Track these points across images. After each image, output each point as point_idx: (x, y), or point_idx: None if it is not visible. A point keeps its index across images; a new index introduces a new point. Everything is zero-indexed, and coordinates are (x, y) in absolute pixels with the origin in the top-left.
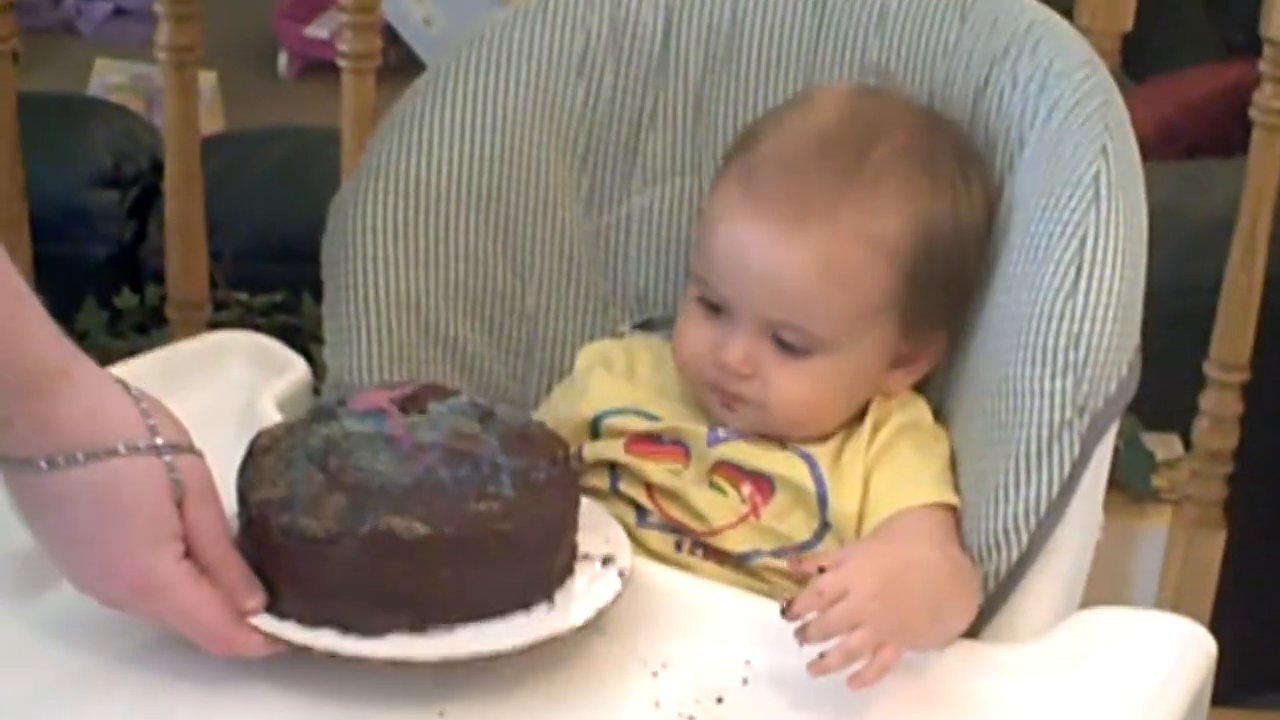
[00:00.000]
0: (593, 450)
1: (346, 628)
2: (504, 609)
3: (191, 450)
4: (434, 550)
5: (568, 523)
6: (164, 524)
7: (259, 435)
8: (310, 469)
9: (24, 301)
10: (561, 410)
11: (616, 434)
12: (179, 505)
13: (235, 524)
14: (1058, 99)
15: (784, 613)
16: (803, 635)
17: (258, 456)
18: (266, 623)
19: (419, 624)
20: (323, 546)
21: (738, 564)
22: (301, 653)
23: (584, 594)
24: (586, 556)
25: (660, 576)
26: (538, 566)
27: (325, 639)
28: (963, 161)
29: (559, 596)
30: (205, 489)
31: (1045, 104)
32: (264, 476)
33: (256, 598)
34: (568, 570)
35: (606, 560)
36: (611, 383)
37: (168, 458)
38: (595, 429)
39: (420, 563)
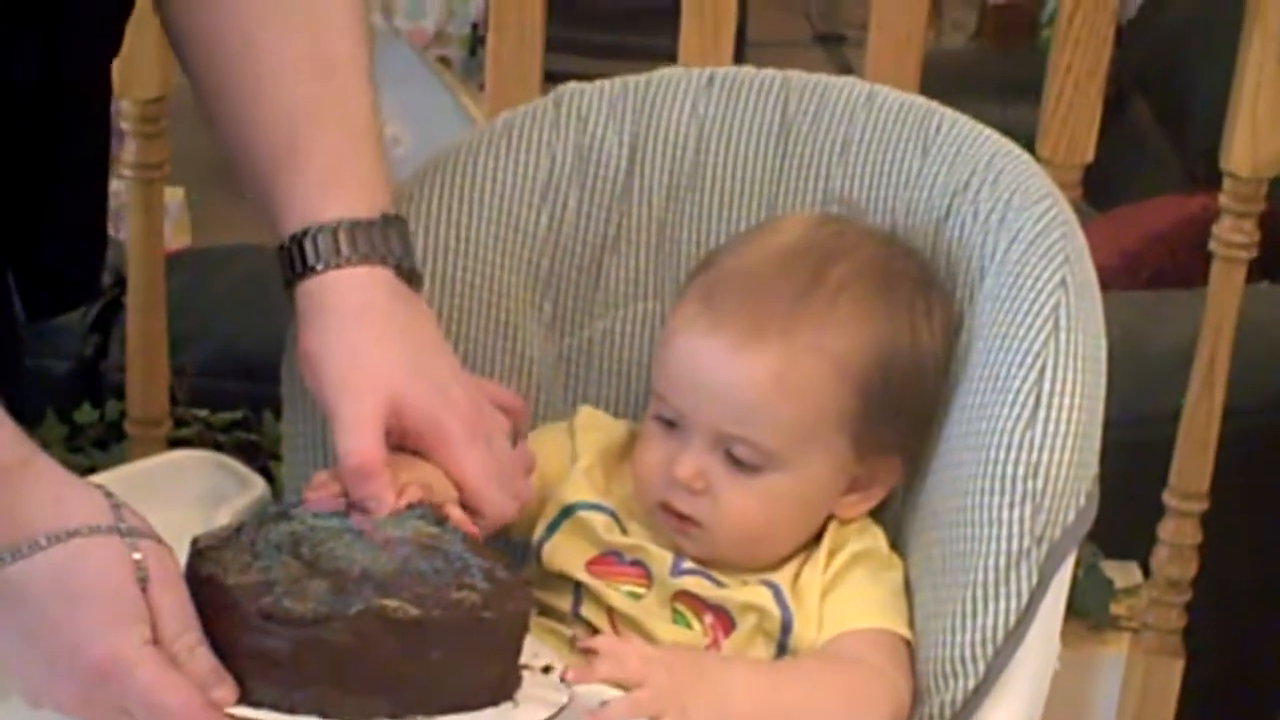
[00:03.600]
0: (552, 554)
1: (325, 715)
2: (479, 703)
3: (157, 539)
4: (425, 632)
5: (527, 624)
6: (128, 604)
7: (199, 538)
8: (283, 557)
9: None
10: (551, 454)
11: (582, 532)
12: (143, 588)
13: None
14: (1018, 231)
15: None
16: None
17: (211, 554)
18: (240, 710)
19: (399, 712)
20: (309, 629)
21: None
22: None
23: (538, 698)
24: (526, 666)
25: None
26: (506, 662)
27: None
28: (923, 288)
29: (519, 696)
30: (170, 576)
31: (1006, 236)
32: (228, 567)
33: (227, 688)
34: (519, 675)
35: (547, 669)
36: (597, 473)
37: (130, 539)
38: (563, 516)
39: (411, 645)
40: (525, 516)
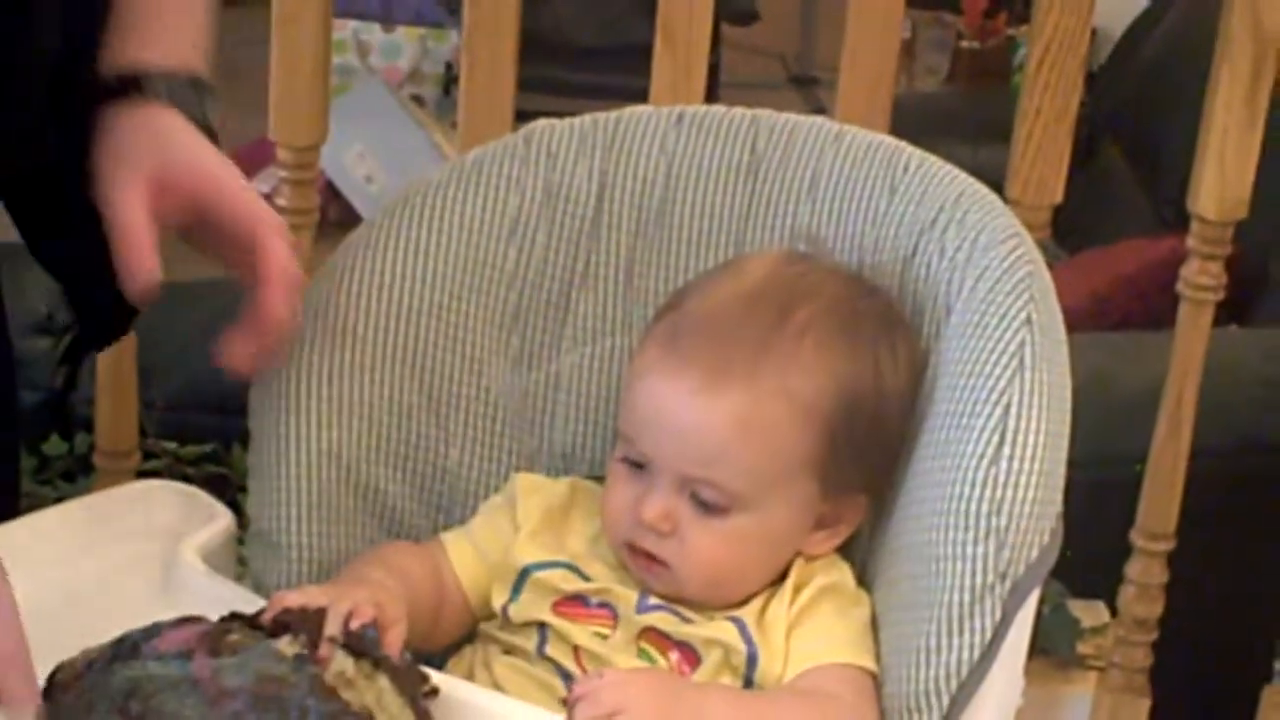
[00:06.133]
0: (519, 610)
1: None
2: None
3: None
4: None
5: None
6: None
7: (58, 669)
8: (111, 715)
9: None
10: (493, 536)
11: (543, 589)
12: None
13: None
14: (984, 269)
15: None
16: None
17: (57, 694)
18: None
19: None
20: None
21: None
22: None
23: None
24: None
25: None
26: None
27: None
28: (888, 327)
29: None
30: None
31: (972, 274)
32: (63, 717)
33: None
34: None
35: None
36: (546, 533)
37: None
38: (521, 580)
39: None
40: (456, 618)
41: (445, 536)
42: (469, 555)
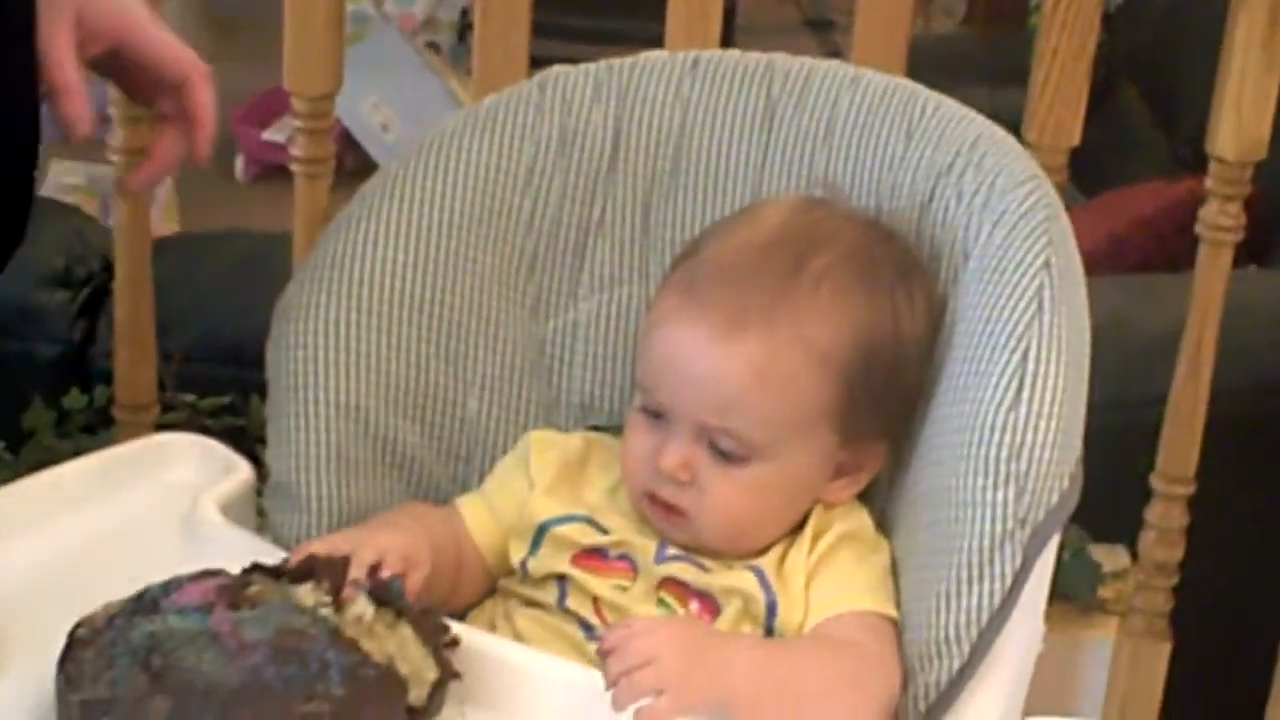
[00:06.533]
0: (540, 564)
1: None
2: None
3: None
4: None
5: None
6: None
7: (78, 625)
8: (132, 668)
9: None
10: (508, 496)
11: (562, 543)
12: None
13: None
14: (1002, 213)
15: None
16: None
17: (77, 650)
18: None
19: None
20: None
21: None
22: None
23: None
24: None
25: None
26: None
27: None
28: (906, 273)
29: None
30: None
31: (989, 218)
32: (84, 673)
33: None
34: None
35: None
36: (562, 488)
37: None
38: (539, 535)
39: None
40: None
41: (459, 501)
42: (485, 517)
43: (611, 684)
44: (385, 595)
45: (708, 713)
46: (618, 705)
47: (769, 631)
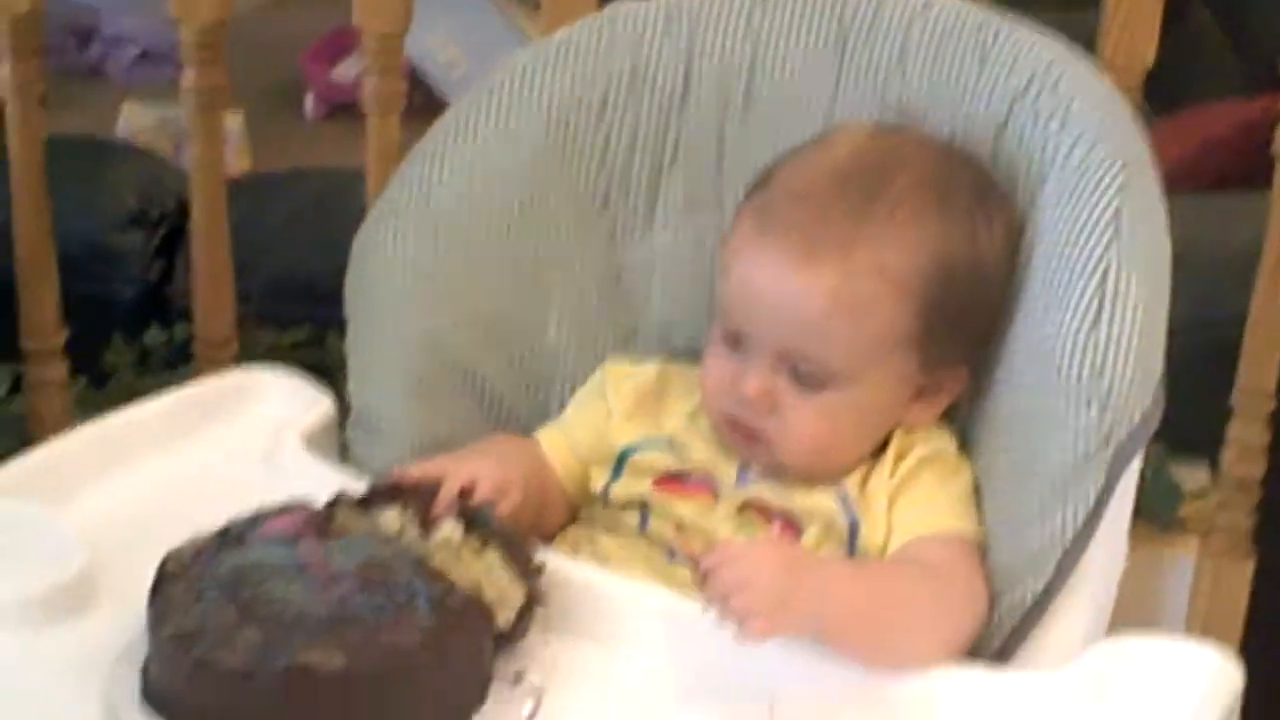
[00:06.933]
0: (622, 489)
1: None
2: None
3: None
4: (351, 687)
5: (483, 649)
6: None
7: (167, 559)
8: (221, 601)
9: None
10: (587, 426)
11: (643, 470)
12: None
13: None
14: (1079, 135)
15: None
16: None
17: (166, 585)
18: None
19: None
20: (237, 682)
21: None
22: None
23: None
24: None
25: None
26: (459, 691)
27: None
28: (982, 196)
29: None
30: None
31: (1066, 140)
32: (173, 607)
33: None
34: (481, 697)
35: (518, 676)
36: (641, 414)
37: None
38: (620, 462)
39: (336, 700)
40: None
41: (539, 433)
42: (564, 448)
43: (710, 606)
44: (475, 519)
45: (801, 633)
46: (717, 627)
47: (852, 552)
